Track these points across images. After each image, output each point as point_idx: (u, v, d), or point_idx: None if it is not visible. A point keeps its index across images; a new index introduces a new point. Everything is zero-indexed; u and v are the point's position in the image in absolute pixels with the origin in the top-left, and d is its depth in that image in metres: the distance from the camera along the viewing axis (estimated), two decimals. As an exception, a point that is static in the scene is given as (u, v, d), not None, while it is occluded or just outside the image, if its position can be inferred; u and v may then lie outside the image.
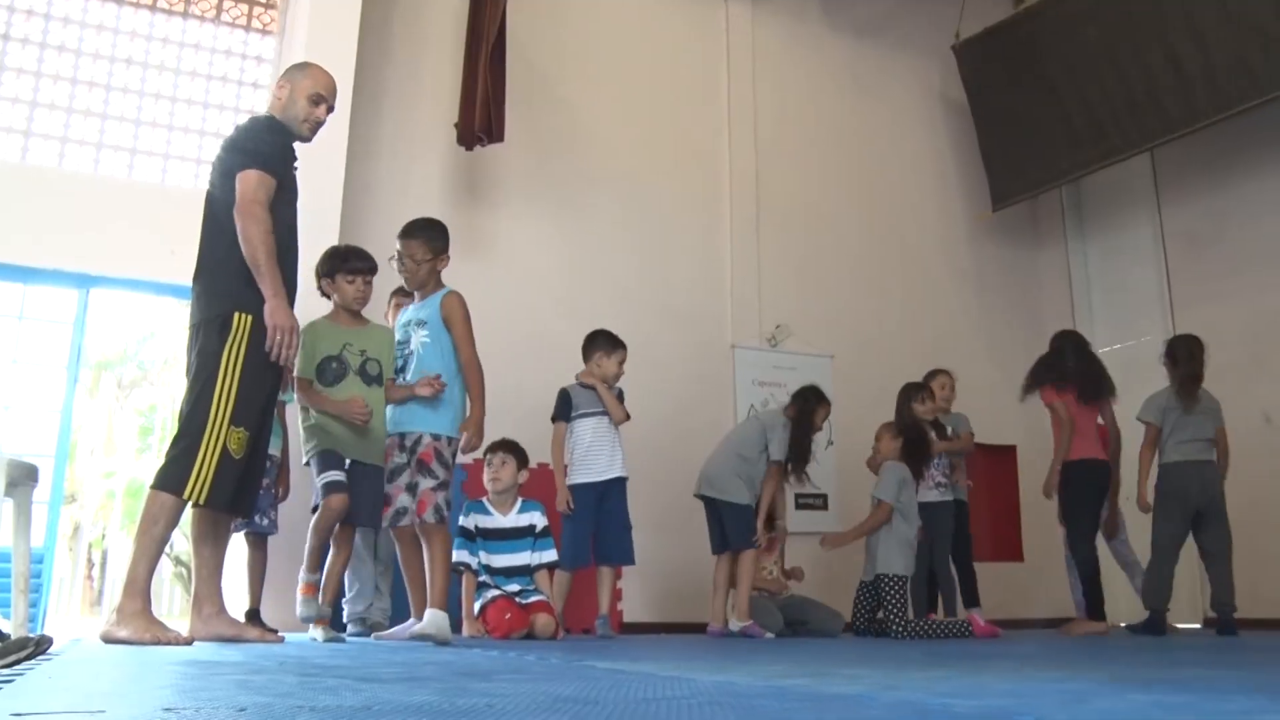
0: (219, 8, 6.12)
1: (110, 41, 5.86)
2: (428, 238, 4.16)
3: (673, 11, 7.57)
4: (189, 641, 3.20)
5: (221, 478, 3.24)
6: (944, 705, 1.42)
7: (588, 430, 4.93)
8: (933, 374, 6.07)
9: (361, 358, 3.85)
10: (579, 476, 4.89)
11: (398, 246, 4.14)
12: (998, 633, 5.10)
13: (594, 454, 4.90)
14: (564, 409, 4.99)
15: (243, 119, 3.82)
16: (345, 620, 4.55)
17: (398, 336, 4.19)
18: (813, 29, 8.08)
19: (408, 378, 4.05)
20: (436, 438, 3.95)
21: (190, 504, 3.27)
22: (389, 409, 4.06)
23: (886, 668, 2.36)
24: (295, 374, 3.79)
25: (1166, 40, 6.74)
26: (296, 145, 3.69)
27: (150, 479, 3.33)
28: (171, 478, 3.22)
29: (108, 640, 3.13)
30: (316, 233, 5.47)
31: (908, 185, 8.20)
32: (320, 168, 5.63)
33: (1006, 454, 7.65)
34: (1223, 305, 7.11)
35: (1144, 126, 7.01)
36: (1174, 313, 7.56)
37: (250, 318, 3.33)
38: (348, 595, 4.56)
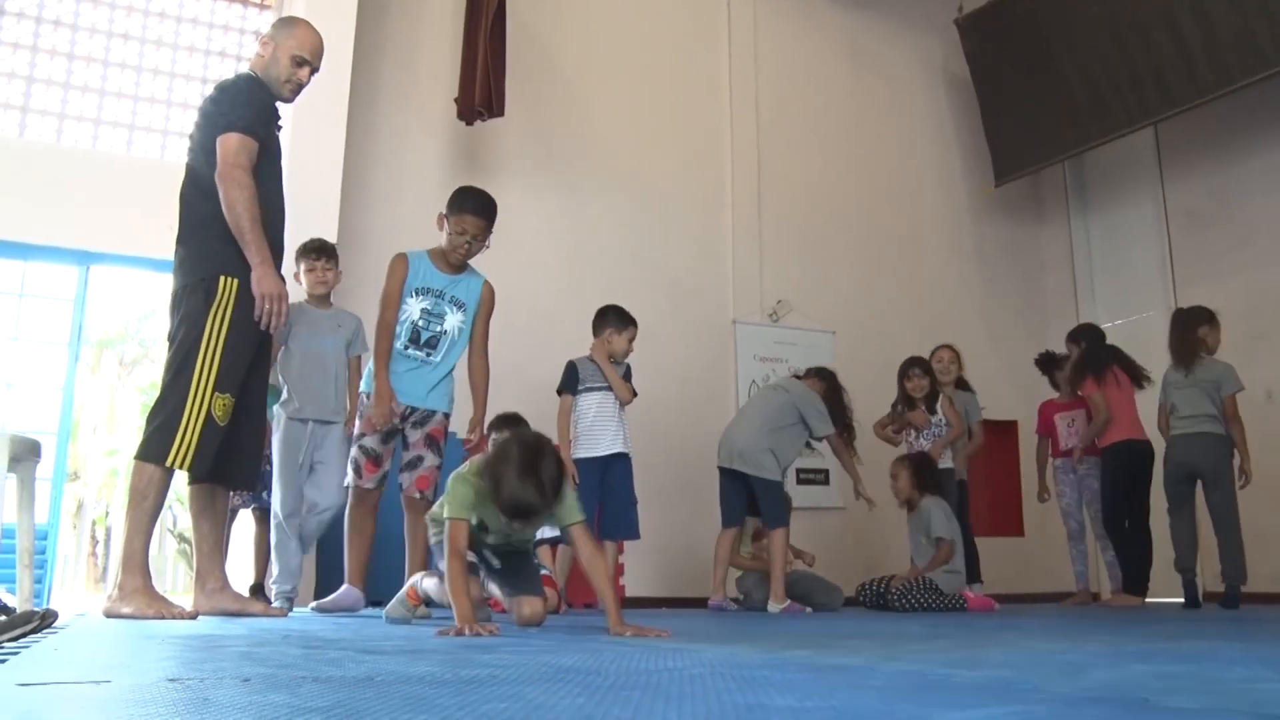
0: (217, -18, 6.08)
1: (107, 17, 5.82)
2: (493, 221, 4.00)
3: (674, -15, 7.52)
4: (193, 616, 3.20)
5: (205, 444, 3.19)
6: (945, 676, 1.42)
7: (593, 405, 4.91)
8: (935, 350, 6.10)
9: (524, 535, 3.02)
10: (582, 451, 4.88)
11: (474, 225, 3.87)
12: (994, 606, 5.12)
13: (598, 429, 4.89)
14: (571, 382, 4.97)
15: (222, 78, 3.67)
16: (273, 600, 4.37)
17: (423, 305, 3.90)
18: (814, 3, 8.03)
19: (437, 357, 3.94)
20: (447, 416, 3.99)
21: (175, 471, 3.23)
22: (397, 376, 3.89)
23: (887, 640, 2.37)
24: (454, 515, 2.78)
25: (1170, 13, 6.69)
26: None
27: (135, 450, 3.28)
28: (155, 447, 3.17)
29: (111, 616, 3.13)
30: (315, 206, 5.48)
31: (910, 160, 8.17)
32: (319, 142, 5.62)
33: (1007, 429, 7.66)
34: (1225, 281, 7.09)
35: (1146, 101, 6.97)
36: (1176, 289, 7.54)
37: (236, 281, 3.27)
38: (273, 575, 4.40)
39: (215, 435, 3.22)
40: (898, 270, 7.84)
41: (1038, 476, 6.37)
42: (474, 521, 2.79)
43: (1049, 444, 6.33)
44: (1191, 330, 5.56)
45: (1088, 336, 6.15)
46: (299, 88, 3.56)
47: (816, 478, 7.13)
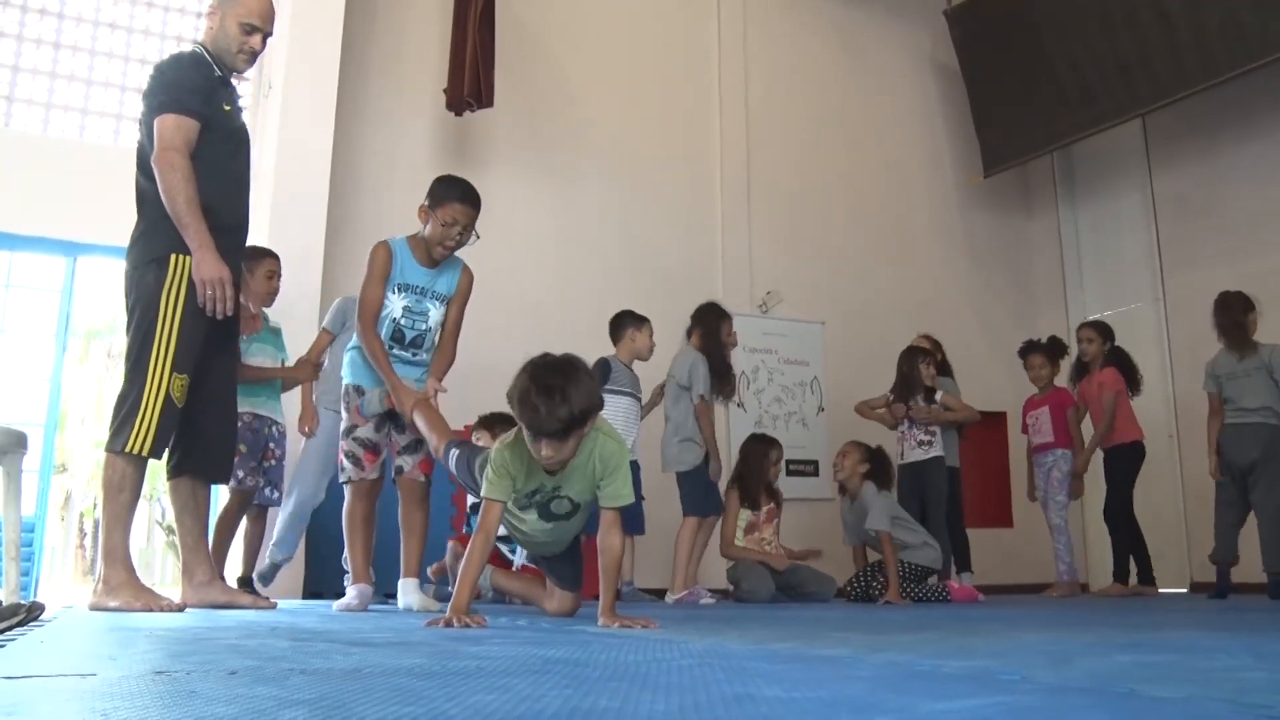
0: (203, -29, 6.04)
1: (93, 5, 5.78)
2: (479, 210, 3.68)
3: (663, -24, 7.50)
4: (180, 608, 3.19)
5: (164, 427, 3.16)
6: (932, 667, 1.43)
7: (620, 409, 5.03)
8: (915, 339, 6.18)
9: (552, 494, 2.78)
10: None
11: (464, 215, 3.58)
12: (978, 597, 5.13)
13: (625, 434, 4.99)
14: (602, 378, 5.04)
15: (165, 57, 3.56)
16: (266, 560, 4.55)
17: (404, 303, 3.63)
18: (804, -7, 8.02)
19: (423, 355, 3.71)
20: None
21: (147, 460, 3.18)
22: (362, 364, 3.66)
23: (875, 632, 2.38)
24: (490, 496, 2.68)
25: (1159, 3, 6.69)
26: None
27: (105, 441, 3.23)
28: (119, 437, 3.14)
29: (97, 610, 3.11)
30: (305, 200, 5.47)
31: (899, 151, 8.17)
32: (309, 133, 5.60)
33: (996, 420, 7.68)
34: (1213, 270, 7.10)
35: (1135, 92, 6.98)
36: (1164, 278, 7.57)
37: (188, 259, 3.19)
38: (274, 539, 4.52)
39: (173, 417, 3.18)
40: (887, 260, 7.85)
41: (1027, 476, 6.41)
42: (514, 494, 2.69)
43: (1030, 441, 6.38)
44: (1234, 313, 5.51)
45: (1111, 334, 6.25)
46: (253, 55, 3.47)
47: (806, 469, 7.15)
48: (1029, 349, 6.37)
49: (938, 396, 5.80)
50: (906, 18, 8.32)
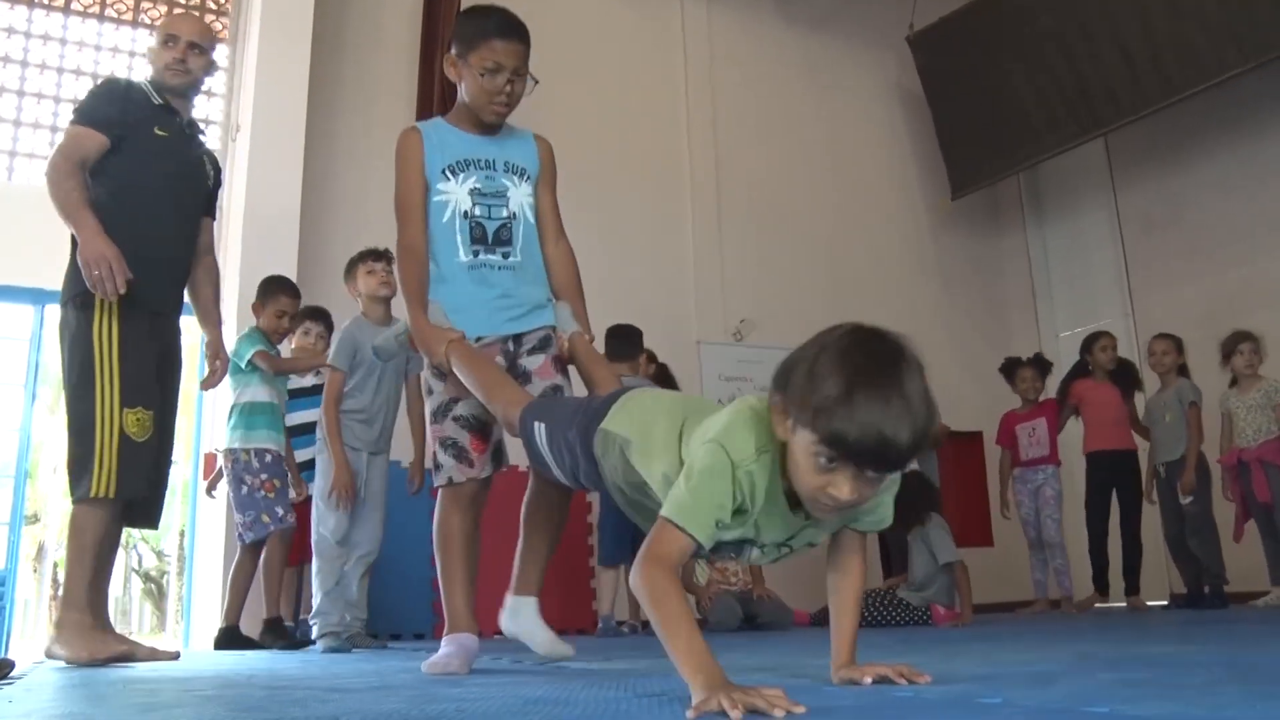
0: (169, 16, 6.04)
1: (58, 52, 5.77)
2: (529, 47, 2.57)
3: (628, 9, 7.57)
4: (132, 658, 2.93)
5: (126, 464, 2.94)
6: (913, 693, 1.42)
7: None
8: None
9: (800, 541, 1.71)
10: None
11: (508, 54, 2.49)
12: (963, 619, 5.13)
13: None
14: None
15: None
16: (316, 637, 3.99)
17: (471, 184, 2.60)
18: (768, 24, 8.11)
19: (516, 255, 2.62)
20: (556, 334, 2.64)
21: (101, 499, 2.94)
22: (470, 301, 2.51)
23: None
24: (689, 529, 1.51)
25: (1115, 26, 6.84)
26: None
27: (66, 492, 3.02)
28: (79, 484, 2.96)
29: (51, 657, 2.94)
30: (275, 239, 5.45)
31: (868, 176, 8.25)
32: (277, 175, 5.60)
33: (973, 440, 7.71)
34: (1180, 286, 7.22)
35: (1096, 113, 7.10)
36: (1133, 296, 7.66)
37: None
38: (314, 608, 3.99)
39: (136, 453, 2.96)
40: (859, 285, 7.90)
41: (1000, 491, 6.43)
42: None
43: (1009, 456, 6.38)
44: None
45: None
46: (180, 65, 3.27)
47: (786, 495, 7.13)
48: (1017, 363, 6.38)
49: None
50: (871, 44, 8.42)
